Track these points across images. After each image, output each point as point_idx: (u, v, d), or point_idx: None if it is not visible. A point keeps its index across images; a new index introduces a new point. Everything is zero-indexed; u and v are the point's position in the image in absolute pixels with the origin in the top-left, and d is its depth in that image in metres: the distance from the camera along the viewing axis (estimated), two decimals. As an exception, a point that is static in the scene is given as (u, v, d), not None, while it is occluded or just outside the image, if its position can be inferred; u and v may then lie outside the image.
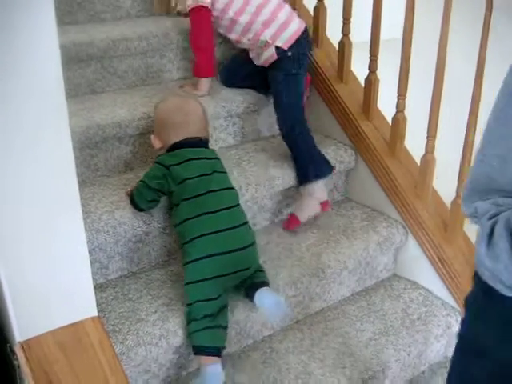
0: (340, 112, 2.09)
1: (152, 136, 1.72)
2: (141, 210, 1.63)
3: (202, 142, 1.71)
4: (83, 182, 1.71)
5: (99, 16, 2.20)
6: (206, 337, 1.50)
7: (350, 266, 1.87)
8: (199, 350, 1.51)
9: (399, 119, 1.93)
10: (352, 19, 2.05)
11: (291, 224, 1.94)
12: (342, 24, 2.06)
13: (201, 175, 1.61)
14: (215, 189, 1.60)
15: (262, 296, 1.56)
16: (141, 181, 1.62)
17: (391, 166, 1.96)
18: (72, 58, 1.87)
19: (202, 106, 1.76)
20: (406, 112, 1.94)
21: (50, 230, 1.15)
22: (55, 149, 1.10)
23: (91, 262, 1.26)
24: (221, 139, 2.03)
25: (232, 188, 1.67)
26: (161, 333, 1.49)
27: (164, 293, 1.63)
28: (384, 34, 1.97)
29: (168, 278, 1.69)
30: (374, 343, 1.75)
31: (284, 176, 1.89)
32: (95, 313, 1.28)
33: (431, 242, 1.89)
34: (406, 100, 1.92)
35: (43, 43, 1.01)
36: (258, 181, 1.83)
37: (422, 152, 1.89)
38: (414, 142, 1.97)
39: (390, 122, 1.98)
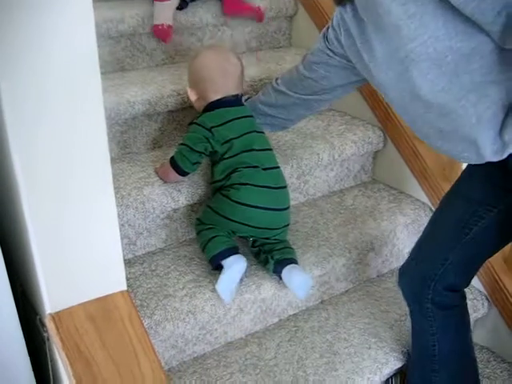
0: (369, 92, 2.07)
1: (188, 89, 1.69)
2: (184, 173, 1.61)
3: (239, 100, 1.69)
4: (112, 159, 1.69)
5: (129, -7, 2.20)
6: (215, 244, 1.55)
7: (377, 248, 1.86)
8: (215, 260, 1.56)
9: (429, 100, 1.91)
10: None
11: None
12: None
13: (244, 133, 1.60)
14: (260, 148, 1.62)
15: (291, 273, 1.56)
16: (182, 144, 1.60)
17: (420, 147, 1.94)
18: (102, 35, 1.87)
19: (241, 60, 1.70)
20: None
21: (82, 202, 1.15)
22: (88, 121, 1.11)
23: (120, 238, 1.26)
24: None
25: (272, 149, 1.67)
26: (188, 308, 1.51)
27: (191, 269, 1.64)
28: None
29: (195, 256, 1.70)
30: (399, 324, 1.74)
31: (312, 156, 1.88)
32: (125, 287, 1.29)
33: (459, 225, 1.87)
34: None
35: (80, 16, 1.02)
36: (285, 160, 1.82)
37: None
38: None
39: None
